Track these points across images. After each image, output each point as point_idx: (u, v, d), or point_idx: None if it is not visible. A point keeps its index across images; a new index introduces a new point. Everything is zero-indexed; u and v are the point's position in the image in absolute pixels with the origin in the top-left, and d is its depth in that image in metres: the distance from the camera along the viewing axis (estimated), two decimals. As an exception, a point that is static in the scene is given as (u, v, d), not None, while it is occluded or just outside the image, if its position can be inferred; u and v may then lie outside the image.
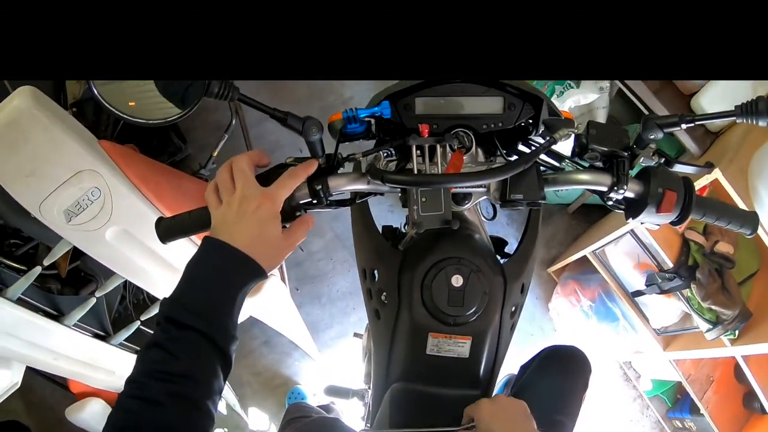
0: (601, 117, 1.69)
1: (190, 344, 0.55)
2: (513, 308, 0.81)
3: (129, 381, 0.54)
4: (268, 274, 0.65)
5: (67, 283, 1.53)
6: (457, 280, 0.73)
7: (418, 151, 0.69)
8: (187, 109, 0.63)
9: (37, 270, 1.26)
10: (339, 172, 0.71)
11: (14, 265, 1.40)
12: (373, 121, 0.73)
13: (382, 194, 0.75)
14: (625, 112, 1.92)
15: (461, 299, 0.73)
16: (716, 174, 1.30)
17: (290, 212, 0.68)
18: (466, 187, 0.77)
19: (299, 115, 0.65)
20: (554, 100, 1.68)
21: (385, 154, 0.76)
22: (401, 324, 0.76)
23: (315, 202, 0.70)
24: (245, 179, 0.64)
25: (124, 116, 0.62)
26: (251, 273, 0.62)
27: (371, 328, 0.86)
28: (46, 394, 1.95)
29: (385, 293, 0.78)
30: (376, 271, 0.81)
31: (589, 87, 1.61)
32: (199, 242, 1.19)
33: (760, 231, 1.33)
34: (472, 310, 0.73)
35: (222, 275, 0.60)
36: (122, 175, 1.07)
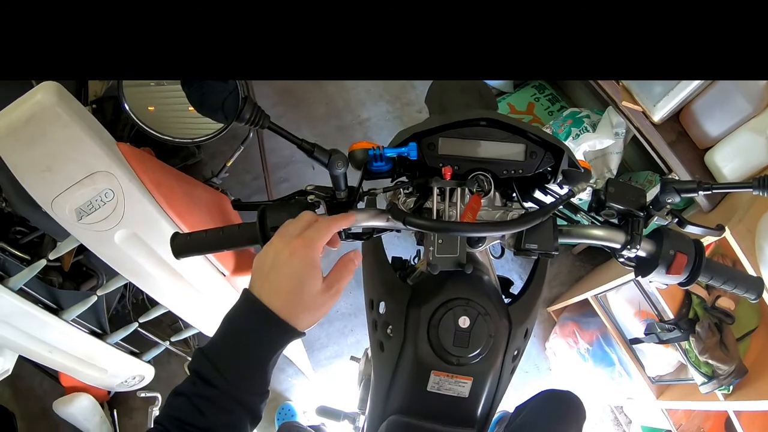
0: (615, 162, 1.70)
1: (215, 402, 0.55)
2: (515, 352, 0.81)
3: (156, 420, 0.55)
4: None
5: (68, 277, 1.53)
6: (464, 322, 0.73)
7: (438, 191, 0.70)
8: (217, 132, 0.63)
9: (42, 263, 1.26)
10: (358, 206, 0.71)
11: (18, 253, 1.40)
12: (397, 158, 0.73)
13: (398, 231, 0.75)
14: (638, 158, 1.93)
15: (467, 340, 0.73)
16: (724, 232, 1.31)
17: None
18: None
19: (323, 145, 0.66)
20: (570, 142, 1.69)
21: (405, 190, 0.77)
22: (405, 359, 0.76)
23: None
24: (296, 226, 0.61)
25: (152, 131, 0.62)
26: (286, 338, 0.59)
27: (373, 359, 0.86)
28: (34, 384, 1.95)
29: (391, 326, 0.79)
30: (383, 303, 0.81)
31: (605, 132, 1.62)
32: (212, 259, 1.20)
33: (762, 290, 1.34)
34: (476, 352, 0.73)
35: (255, 339, 0.57)
36: (137, 179, 1.07)
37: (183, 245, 0.69)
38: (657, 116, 1.44)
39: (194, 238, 0.69)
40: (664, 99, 1.39)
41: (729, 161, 1.42)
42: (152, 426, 0.54)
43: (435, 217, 0.69)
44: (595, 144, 1.64)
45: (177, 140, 0.63)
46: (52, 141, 0.97)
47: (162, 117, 0.65)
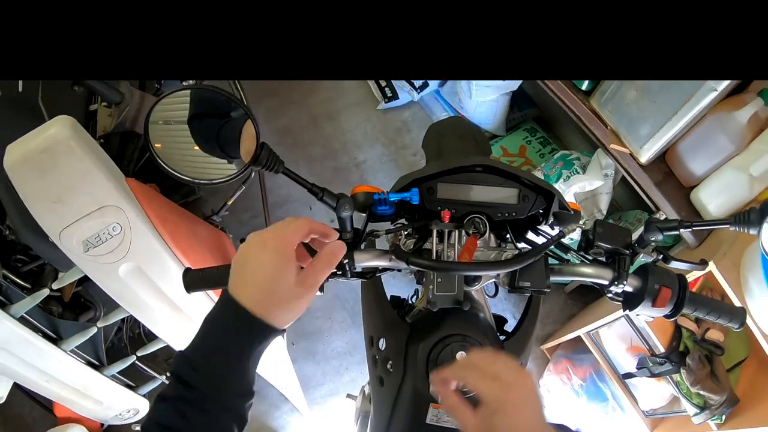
0: (605, 202, 1.75)
1: (196, 404, 0.54)
2: None
3: (142, 427, 0.55)
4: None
5: (67, 307, 1.55)
6: (461, 357, 0.76)
7: (437, 233, 0.74)
8: (234, 175, 0.67)
9: (45, 292, 1.28)
10: (362, 247, 0.75)
11: (19, 281, 1.42)
12: (399, 202, 0.78)
13: (399, 270, 0.79)
14: (627, 198, 1.99)
15: None
16: (710, 267, 1.35)
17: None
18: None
19: (332, 190, 0.70)
20: (561, 184, 1.74)
21: (405, 232, 0.81)
22: (404, 393, 0.79)
23: (339, 273, 0.74)
24: (278, 224, 0.60)
25: (174, 172, 0.66)
26: (263, 336, 0.58)
27: (373, 394, 0.88)
28: (24, 412, 1.93)
29: (391, 362, 0.81)
30: (382, 340, 0.84)
31: (594, 174, 1.67)
32: (212, 294, 1.22)
33: (748, 321, 1.37)
34: None
35: (231, 339, 0.57)
36: (144, 215, 1.10)
37: (195, 280, 0.72)
38: (644, 158, 1.50)
39: (206, 273, 0.72)
40: (650, 141, 1.45)
41: (714, 198, 1.47)
42: (141, 428, 0.54)
43: (435, 258, 0.73)
44: (585, 185, 1.70)
45: (196, 181, 0.66)
46: (65, 173, 1.00)
47: (182, 158, 0.69)
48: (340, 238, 0.75)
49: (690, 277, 1.46)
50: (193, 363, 0.55)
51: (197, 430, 0.54)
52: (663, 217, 1.59)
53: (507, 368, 0.59)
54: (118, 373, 1.53)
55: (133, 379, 1.64)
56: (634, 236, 0.78)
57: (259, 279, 0.57)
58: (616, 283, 0.76)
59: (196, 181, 0.66)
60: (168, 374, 0.59)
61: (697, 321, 1.67)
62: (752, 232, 0.73)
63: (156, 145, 0.67)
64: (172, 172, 0.65)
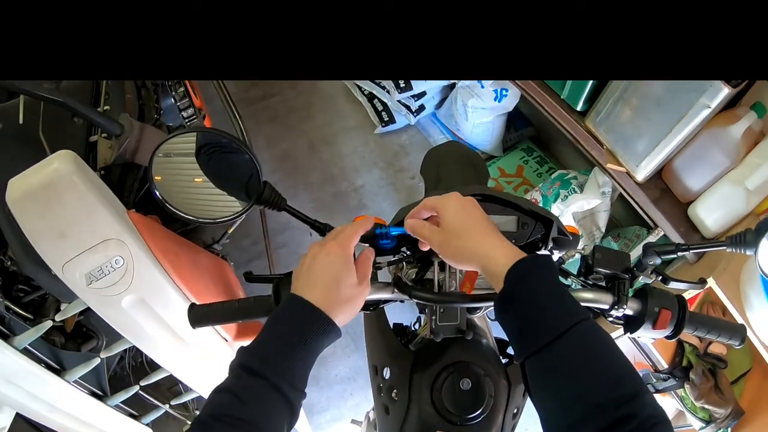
0: (603, 220, 1.77)
1: (260, 393, 0.57)
2: (515, 410, 0.84)
3: (195, 421, 0.56)
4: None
5: (69, 337, 1.54)
6: (465, 384, 0.77)
7: (438, 263, 0.75)
8: (238, 214, 0.69)
9: (48, 324, 1.28)
10: None
11: (21, 312, 1.41)
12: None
13: (402, 301, 0.80)
14: (625, 214, 2.00)
15: (469, 401, 0.77)
16: (710, 282, 1.36)
17: None
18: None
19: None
20: (559, 203, 1.75)
21: (407, 262, 0.82)
22: (410, 421, 0.79)
23: None
24: (333, 233, 0.68)
25: (178, 212, 0.67)
26: (327, 333, 0.63)
27: (379, 422, 0.88)
28: (27, 442, 1.91)
29: (396, 390, 0.82)
30: (387, 369, 0.85)
31: (592, 192, 1.69)
32: (223, 332, 1.22)
33: (749, 333, 1.37)
34: (478, 412, 0.77)
35: (300, 333, 0.62)
36: (146, 247, 1.11)
37: (200, 315, 0.73)
38: (640, 176, 1.52)
39: (211, 309, 0.73)
40: (647, 159, 1.47)
41: (711, 213, 1.49)
42: (192, 425, 0.56)
43: (436, 289, 0.74)
44: (583, 205, 1.71)
45: (200, 220, 0.67)
46: (67, 208, 1.00)
47: (185, 198, 0.70)
48: None
49: (690, 294, 1.46)
50: (261, 354, 0.60)
51: (258, 418, 0.56)
52: (661, 234, 1.60)
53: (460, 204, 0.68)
54: (121, 402, 1.52)
55: (136, 408, 1.62)
56: (633, 252, 0.79)
57: (327, 280, 0.64)
58: (616, 307, 0.76)
59: (200, 220, 0.67)
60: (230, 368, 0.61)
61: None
62: (748, 252, 0.74)
63: (156, 177, 0.68)
64: (176, 211, 0.66)
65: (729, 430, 1.61)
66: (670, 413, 1.81)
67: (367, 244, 0.76)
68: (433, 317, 0.75)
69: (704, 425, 1.62)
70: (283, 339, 0.61)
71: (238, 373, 0.58)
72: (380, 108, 2.49)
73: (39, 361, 1.30)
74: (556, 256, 0.84)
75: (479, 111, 2.11)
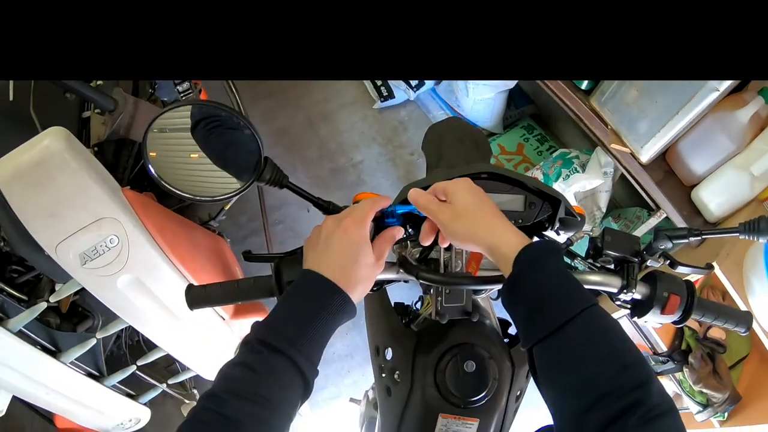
0: (604, 200, 1.75)
1: (277, 367, 0.57)
2: (518, 392, 0.83)
3: (207, 395, 0.54)
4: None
5: (64, 317, 1.53)
6: (469, 366, 0.75)
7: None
8: (236, 191, 0.66)
9: (42, 305, 1.26)
10: None
11: (15, 293, 1.39)
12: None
13: (406, 282, 0.78)
14: (626, 195, 1.98)
15: (473, 384, 0.76)
16: (713, 270, 1.35)
17: None
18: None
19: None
20: (560, 183, 1.74)
21: (411, 241, 0.80)
22: (412, 403, 0.78)
23: None
24: (347, 210, 0.67)
25: (174, 190, 0.64)
26: (344, 309, 0.63)
27: (380, 404, 0.87)
28: (25, 424, 1.90)
29: (398, 372, 0.81)
30: (389, 350, 0.83)
31: (594, 172, 1.67)
32: (220, 311, 1.21)
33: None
34: (482, 395, 0.76)
35: (318, 308, 0.61)
36: (141, 225, 1.09)
37: (198, 297, 0.71)
38: (645, 157, 1.49)
39: (210, 290, 0.71)
40: (651, 140, 1.45)
41: (715, 197, 1.48)
42: (202, 399, 0.54)
43: (442, 269, 0.72)
44: (585, 185, 1.70)
45: (198, 198, 0.65)
46: (60, 187, 0.98)
47: (182, 175, 0.67)
48: None
49: (691, 278, 1.46)
50: (279, 329, 0.59)
51: (273, 393, 0.55)
52: (663, 216, 1.59)
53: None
54: (118, 382, 1.51)
55: (133, 388, 1.62)
56: (638, 232, 0.78)
57: (345, 257, 0.63)
58: (624, 291, 0.75)
59: (197, 198, 0.65)
60: (245, 342, 0.59)
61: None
62: (761, 240, 0.73)
63: (151, 153, 0.65)
64: (173, 189, 0.64)
65: (726, 414, 1.62)
66: (667, 396, 1.82)
67: (373, 228, 0.74)
68: (439, 298, 0.73)
69: (701, 409, 1.63)
70: (301, 315, 0.60)
71: (255, 348, 0.57)
72: (379, 82, 2.45)
73: (34, 343, 1.29)
74: (562, 237, 0.82)
75: (480, 87, 2.07)
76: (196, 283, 1.13)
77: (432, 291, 0.74)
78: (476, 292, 0.81)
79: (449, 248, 0.73)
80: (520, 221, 0.78)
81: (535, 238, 0.85)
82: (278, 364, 0.57)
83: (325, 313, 0.61)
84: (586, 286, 0.77)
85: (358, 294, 0.64)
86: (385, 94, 2.44)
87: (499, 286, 0.79)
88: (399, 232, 0.70)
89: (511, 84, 2.13)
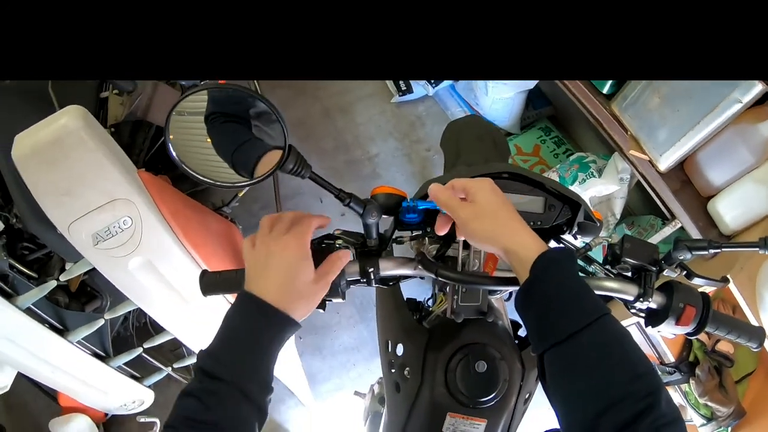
0: (619, 207, 1.73)
1: (221, 395, 0.57)
2: (527, 395, 0.83)
3: (166, 425, 0.56)
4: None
5: (73, 297, 1.53)
6: (480, 366, 0.75)
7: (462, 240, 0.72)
8: (258, 179, 0.65)
9: (53, 284, 1.26)
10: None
11: (26, 270, 1.40)
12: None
13: (422, 278, 0.77)
14: (641, 203, 1.97)
15: (483, 384, 0.75)
16: (729, 283, 1.34)
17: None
18: None
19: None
20: (576, 186, 1.72)
21: (429, 238, 0.79)
22: (421, 400, 0.78)
23: (363, 280, 0.73)
24: (282, 223, 0.66)
25: (195, 174, 0.64)
26: (284, 329, 0.63)
27: (388, 399, 0.87)
28: (28, 400, 1.93)
29: (408, 368, 0.80)
30: (400, 345, 0.83)
31: (610, 178, 1.65)
32: (230, 297, 1.20)
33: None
34: (491, 396, 0.75)
35: (253, 332, 0.61)
36: (155, 208, 1.08)
37: (212, 283, 0.71)
38: (663, 165, 1.48)
39: (223, 277, 0.70)
40: (671, 149, 1.43)
41: (731, 210, 1.46)
42: (163, 430, 0.56)
43: (459, 268, 0.72)
44: (601, 190, 1.68)
45: (218, 183, 0.64)
46: (75, 166, 0.97)
47: (201, 159, 0.67)
48: (365, 245, 0.73)
49: (705, 289, 1.45)
50: (218, 356, 0.60)
51: (222, 421, 0.56)
52: (678, 226, 1.57)
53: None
54: (124, 364, 1.52)
55: (138, 370, 1.63)
56: (651, 241, 0.77)
57: (283, 276, 0.63)
58: (641, 299, 0.74)
59: (218, 183, 0.64)
60: (193, 372, 0.61)
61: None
62: None
63: (171, 136, 0.65)
64: (195, 174, 0.63)
65: (729, 429, 1.61)
66: (671, 407, 1.81)
67: (392, 217, 0.73)
68: (455, 297, 0.73)
69: (705, 422, 1.62)
70: (238, 340, 0.61)
71: (200, 378, 0.58)
72: (398, 77, 2.44)
73: (42, 321, 1.29)
74: (580, 241, 0.81)
75: (500, 86, 2.06)
76: (207, 268, 1.14)
77: (448, 289, 0.73)
78: (491, 292, 0.80)
79: (467, 246, 0.73)
80: (539, 223, 0.77)
81: (552, 242, 0.84)
82: (220, 391, 0.57)
83: (262, 336, 0.61)
84: (603, 293, 0.76)
85: (300, 312, 0.64)
86: (404, 88, 2.42)
87: (516, 288, 0.79)
88: (346, 257, 0.69)
89: (531, 84, 2.11)
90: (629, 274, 0.77)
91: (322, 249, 0.70)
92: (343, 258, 0.68)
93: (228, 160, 0.68)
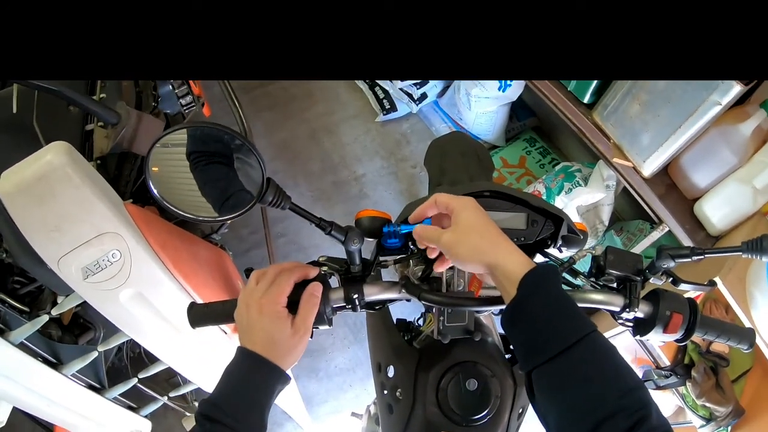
0: (606, 214, 1.75)
1: None
2: (520, 410, 0.83)
3: None
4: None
5: (66, 329, 1.52)
6: (471, 384, 0.75)
7: None
8: (239, 212, 0.66)
9: (44, 318, 1.26)
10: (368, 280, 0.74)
11: (17, 305, 1.39)
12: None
13: (408, 300, 0.78)
14: (629, 208, 1.98)
15: (475, 402, 0.76)
16: (716, 287, 1.35)
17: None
18: None
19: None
20: (563, 196, 1.73)
21: (414, 260, 0.80)
22: (414, 421, 0.78)
23: (348, 306, 0.73)
24: (265, 281, 0.70)
25: (177, 210, 0.65)
26: (276, 377, 0.69)
27: (382, 421, 0.87)
28: (25, 432, 1.90)
29: (400, 390, 0.81)
30: (391, 367, 0.83)
31: (596, 185, 1.67)
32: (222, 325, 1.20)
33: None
34: (484, 413, 0.75)
35: (251, 381, 0.67)
36: (144, 241, 1.08)
37: (200, 316, 0.71)
38: (647, 171, 1.49)
39: (211, 308, 0.71)
40: (654, 154, 1.45)
41: (717, 210, 1.48)
42: None
43: (445, 288, 0.72)
44: (587, 198, 1.69)
45: (200, 218, 0.65)
46: (62, 201, 0.97)
47: (183, 192, 0.67)
48: (349, 271, 0.74)
49: (694, 293, 1.46)
50: (219, 403, 0.65)
51: None
52: (666, 230, 1.58)
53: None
54: (119, 395, 1.50)
55: (134, 400, 1.61)
56: (637, 248, 0.78)
57: (264, 337, 0.69)
58: (627, 310, 0.75)
59: (200, 218, 0.65)
60: (195, 419, 0.66)
61: (702, 334, 1.67)
62: (764, 259, 0.73)
63: (153, 169, 0.66)
64: (175, 210, 0.64)
65: (729, 428, 1.61)
66: (671, 410, 1.80)
67: (374, 241, 0.74)
68: (441, 318, 0.73)
69: (704, 423, 1.62)
70: (235, 389, 0.67)
71: (201, 422, 0.64)
72: (381, 96, 2.46)
73: (35, 355, 1.28)
74: (565, 254, 0.82)
75: (483, 101, 2.08)
76: (198, 298, 1.14)
77: (434, 310, 0.74)
78: (478, 310, 0.80)
79: (452, 267, 0.73)
80: (522, 239, 0.78)
81: (538, 256, 0.85)
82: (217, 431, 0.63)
83: (256, 386, 0.67)
84: (589, 305, 0.77)
85: (289, 362, 0.70)
86: (388, 107, 2.44)
87: (502, 306, 0.79)
88: (317, 290, 0.71)
89: (514, 96, 2.13)
90: (614, 285, 0.77)
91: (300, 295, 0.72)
92: (315, 293, 0.71)
93: (216, 208, 0.69)
